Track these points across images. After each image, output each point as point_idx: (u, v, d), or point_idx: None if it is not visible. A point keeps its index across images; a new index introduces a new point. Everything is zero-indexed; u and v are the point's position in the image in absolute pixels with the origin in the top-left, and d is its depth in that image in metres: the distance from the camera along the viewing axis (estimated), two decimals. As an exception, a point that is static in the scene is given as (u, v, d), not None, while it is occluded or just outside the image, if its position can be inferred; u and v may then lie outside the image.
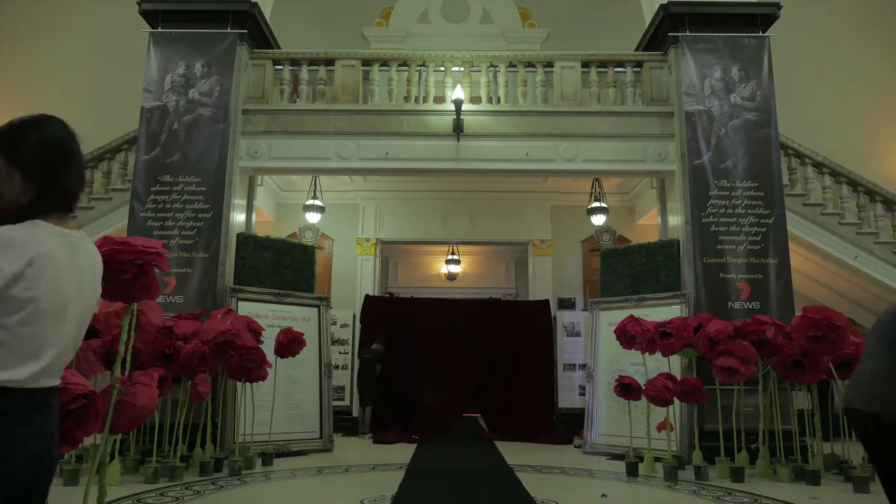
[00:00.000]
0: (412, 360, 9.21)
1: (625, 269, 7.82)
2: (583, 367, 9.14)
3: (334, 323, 9.52)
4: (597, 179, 9.81)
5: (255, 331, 5.93)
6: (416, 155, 7.78)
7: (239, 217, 7.62)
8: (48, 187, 1.53)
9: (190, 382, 5.53)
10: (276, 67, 8.01)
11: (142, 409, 2.27)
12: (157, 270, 3.29)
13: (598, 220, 9.97)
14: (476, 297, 13.08)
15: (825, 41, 10.36)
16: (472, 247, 13.36)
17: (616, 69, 8.05)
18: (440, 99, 7.94)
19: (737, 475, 5.55)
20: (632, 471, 5.78)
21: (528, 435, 8.43)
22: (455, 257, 13.86)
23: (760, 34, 7.61)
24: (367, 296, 9.79)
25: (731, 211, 7.17)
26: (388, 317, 9.45)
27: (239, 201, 7.61)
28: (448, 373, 9.16)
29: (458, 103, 7.55)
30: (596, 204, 9.85)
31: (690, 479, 5.66)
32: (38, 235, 1.46)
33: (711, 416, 6.36)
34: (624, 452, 6.37)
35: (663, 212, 8.14)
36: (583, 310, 10.20)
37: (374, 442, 8.23)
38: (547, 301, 9.76)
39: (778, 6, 7.57)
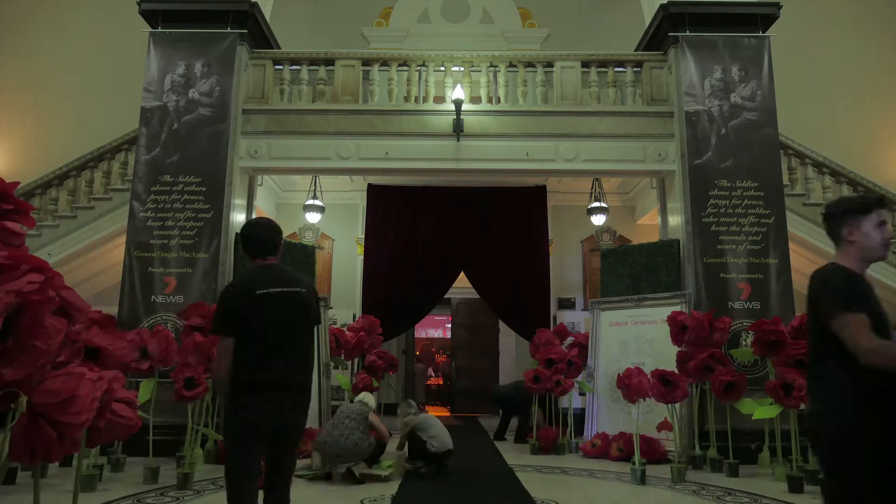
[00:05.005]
0: None
1: (625, 269, 7.81)
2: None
3: (334, 323, 9.50)
4: (597, 179, 9.80)
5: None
6: (416, 155, 7.77)
7: (239, 217, 7.61)
8: None
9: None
10: (276, 67, 8.01)
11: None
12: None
13: (598, 220, 9.97)
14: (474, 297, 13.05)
15: (825, 41, 10.35)
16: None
17: (616, 69, 8.04)
18: (440, 99, 7.93)
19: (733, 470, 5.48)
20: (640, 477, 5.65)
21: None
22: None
23: (760, 34, 7.60)
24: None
25: (731, 211, 7.17)
26: None
27: (239, 201, 7.61)
28: None
29: (458, 103, 7.55)
30: (596, 204, 9.85)
31: (691, 478, 5.66)
32: None
33: (711, 416, 6.36)
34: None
35: (663, 212, 8.13)
36: (583, 310, 10.20)
37: None
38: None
39: (778, 6, 7.56)
